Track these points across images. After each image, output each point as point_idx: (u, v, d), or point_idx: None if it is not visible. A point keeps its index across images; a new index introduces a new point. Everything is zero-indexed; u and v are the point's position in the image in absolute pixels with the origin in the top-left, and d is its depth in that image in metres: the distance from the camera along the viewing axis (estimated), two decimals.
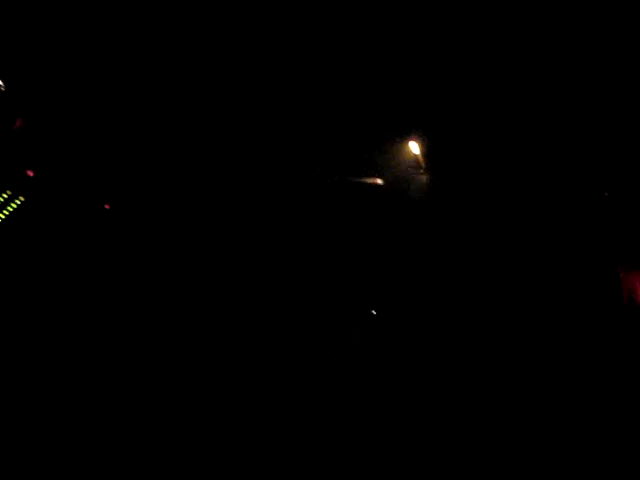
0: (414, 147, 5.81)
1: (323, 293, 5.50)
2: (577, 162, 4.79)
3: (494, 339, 4.61)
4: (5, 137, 4.78)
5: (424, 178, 5.91)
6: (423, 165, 5.89)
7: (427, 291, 5.49)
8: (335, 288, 5.59)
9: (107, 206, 5.42)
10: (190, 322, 4.85)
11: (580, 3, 4.73)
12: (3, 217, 4.64)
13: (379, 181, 5.93)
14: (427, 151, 5.85)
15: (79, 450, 2.97)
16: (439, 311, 5.27)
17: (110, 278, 4.90)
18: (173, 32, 5.05)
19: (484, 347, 4.63)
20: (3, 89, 4.68)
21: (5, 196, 4.66)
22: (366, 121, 5.73)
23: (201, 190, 5.49)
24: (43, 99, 5.04)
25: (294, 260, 5.51)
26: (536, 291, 4.45)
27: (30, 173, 4.95)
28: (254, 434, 3.42)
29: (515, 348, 4.38)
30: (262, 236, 5.50)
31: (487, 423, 3.24)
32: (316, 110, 5.59)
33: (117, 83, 5.29)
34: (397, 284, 5.58)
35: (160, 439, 3.15)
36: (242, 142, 5.54)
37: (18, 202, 4.90)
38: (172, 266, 5.22)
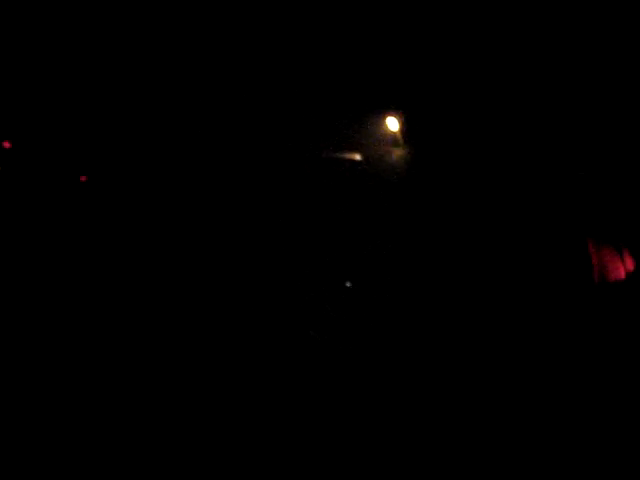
0: (392, 123, 5.78)
1: (299, 267, 5.51)
2: (554, 139, 4.82)
3: (466, 312, 4.67)
4: None
5: (402, 154, 5.90)
6: (401, 141, 5.88)
7: (404, 266, 5.53)
8: (311, 262, 5.60)
9: (84, 178, 5.34)
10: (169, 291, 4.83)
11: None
12: None
13: (357, 157, 5.91)
14: (405, 127, 5.83)
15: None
16: (415, 286, 5.31)
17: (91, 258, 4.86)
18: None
19: (457, 321, 4.69)
20: None
21: None
22: (343, 96, 5.69)
23: (176, 165, 5.43)
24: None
25: (271, 235, 5.49)
26: (508, 268, 4.52)
27: (7, 144, 4.89)
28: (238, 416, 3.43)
29: (487, 324, 4.44)
30: (238, 211, 5.47)
31: (466, 403, 3.30)
32: (292, 86, 5.53)
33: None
34: (374, 259, 5.61)
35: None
36: (216, 119, 5.47)
37: None
38: (152, 238, 5.18)
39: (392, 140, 5.90)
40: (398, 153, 5.91)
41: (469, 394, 3.45)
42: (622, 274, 3.71)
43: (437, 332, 4.64)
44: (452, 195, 5.48)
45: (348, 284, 5.43)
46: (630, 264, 3.73)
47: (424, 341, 4.58)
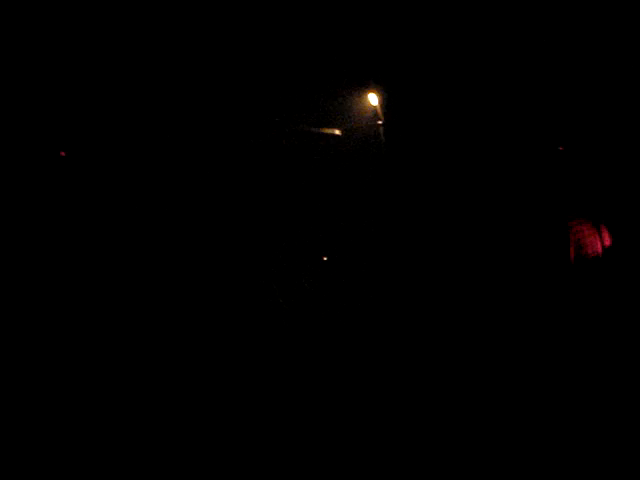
0: (373, 99, 5.79)
1: (278, 239, 5.51)
2: (535, 115, 4.93)
3: (442, 286, 4.77)
4: None
5: (381, 129, 5.94)
6: (381, 117, 5.90)
7: (380, 239, 5.59)
8: (289, 234, 5.61)
9: (63, 153, 5.18)
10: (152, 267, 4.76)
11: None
12: None
13: (337, 132, 5.91)
14: (386, 103, 5.86)
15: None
16: (392, 260, 5.39)
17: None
18: None
19: (433, 293, 4.78)
20: None
21: None
22: (326, 72, 5.67)
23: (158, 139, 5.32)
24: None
25: (253, 206, 5.47)
26: (488, 242, 4.64)
27: None
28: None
29: (466, 299, 4.55)
30: (221, 182, 5.41)
31: (443, 382, 3.37)
32: (277, 59, 5.47)
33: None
34: (351, 232, 5.67)
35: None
36: (203, 93, 5.38)
37: None
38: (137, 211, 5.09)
39: (372, 115, 5.92)
40: (377, 128, 5.94)
41: (451, 375, 3.53)
42: (599, 249, 3.88)
43: (413, 309, 4.72)
44: (429, 170, 5.56)
45: (325, 258, 5.48)
46: (607, 240, 3.89)
47: (398, 318, 4.65)
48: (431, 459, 2.60)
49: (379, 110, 5.83)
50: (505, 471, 2.46)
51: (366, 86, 5.79)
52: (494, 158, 4.96)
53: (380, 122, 5.89)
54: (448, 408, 3.08)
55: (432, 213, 5.30)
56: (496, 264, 4.47)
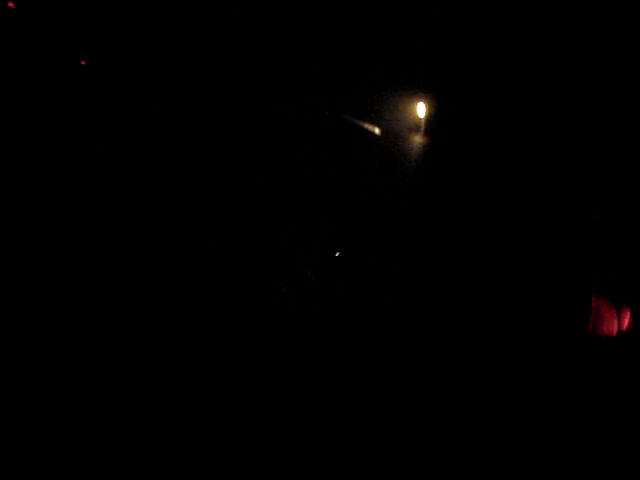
0: (421, 109, 5.63)
1: (291, 227, 5.33)
2: (575, 176, 4.84)
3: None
4: None
5: (420, 142, 5.78)
6: (423, 129, 5.75)
7: (397, 250, 5.46)
8: (303, 225, 5.43)
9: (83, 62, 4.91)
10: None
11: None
12: None
13: (377, 130, 5.73)
14: (432, 117, 5.70)
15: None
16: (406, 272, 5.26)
17: None
18: None
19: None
20: None
21: None
22: (383, 73, 5.55)
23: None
24: None
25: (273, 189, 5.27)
26: (510, 293, 4.53)
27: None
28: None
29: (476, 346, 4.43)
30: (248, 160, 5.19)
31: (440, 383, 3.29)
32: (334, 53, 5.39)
33: None
34: (368, 233, 5.51)
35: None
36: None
37: None
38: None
39: (415, 126, 5.76)
40: (417, 140, 5.78)
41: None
42: (614, 331, 3.81)
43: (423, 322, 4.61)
44: (458, 199, 5.43)
45: (337, 254, 5.31)
46: (626, 322, 3.82)
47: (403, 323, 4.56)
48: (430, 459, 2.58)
49: (423, 122, 5.68)
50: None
51: (419, 96, 5.64)
52: (532, 212, 4.83)
53: (421, 134, 5.74)
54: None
55: (452, 239, 5.17)
56: (512, 319, 4.34)
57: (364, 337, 4.18)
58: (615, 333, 3.78)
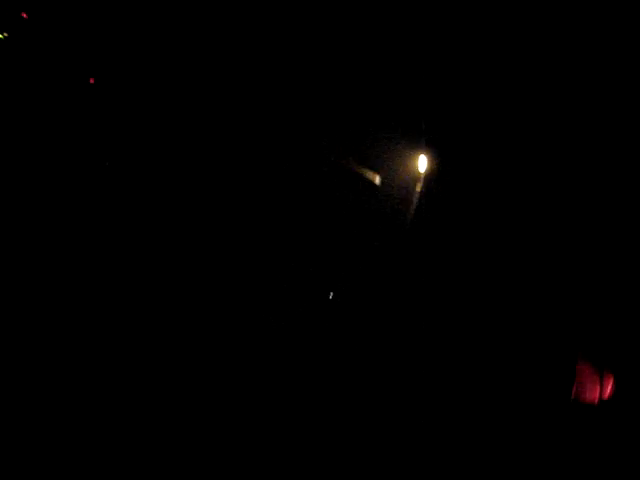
0: (422, 162, 5.73)
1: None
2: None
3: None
4: None
5: (418, 193, 5.85)
6: (422, 181, 5.83)
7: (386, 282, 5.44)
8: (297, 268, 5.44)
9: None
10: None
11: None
12: None
13: (377, 179, 5.82)
14: (432, 171, 5.80)
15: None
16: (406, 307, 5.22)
17: None
18: None
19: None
20: None
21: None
22: (390, 123, 5.69)
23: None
24: None
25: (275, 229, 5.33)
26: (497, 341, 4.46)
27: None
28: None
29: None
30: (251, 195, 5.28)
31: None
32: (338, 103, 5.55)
33: None
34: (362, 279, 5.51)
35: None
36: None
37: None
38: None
39: (414, 178, 5.85)
40: (415, 191, 5.85)
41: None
42: (595, 399, 3.75)
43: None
44: (457, 248, 5.45)
45: (331, 295, 5.30)
46: (608, 391, 3.77)
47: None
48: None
49: (423, 175, 5.76)
50: None
51: (421, 148, 5.75)
52: (532, 270, 4.80)
53: (419, 186, 5.81)
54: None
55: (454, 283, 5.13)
56: (498, 381, 4.26)
57: (366, 354, 4.19)
58: (597, 401, 3.73)
